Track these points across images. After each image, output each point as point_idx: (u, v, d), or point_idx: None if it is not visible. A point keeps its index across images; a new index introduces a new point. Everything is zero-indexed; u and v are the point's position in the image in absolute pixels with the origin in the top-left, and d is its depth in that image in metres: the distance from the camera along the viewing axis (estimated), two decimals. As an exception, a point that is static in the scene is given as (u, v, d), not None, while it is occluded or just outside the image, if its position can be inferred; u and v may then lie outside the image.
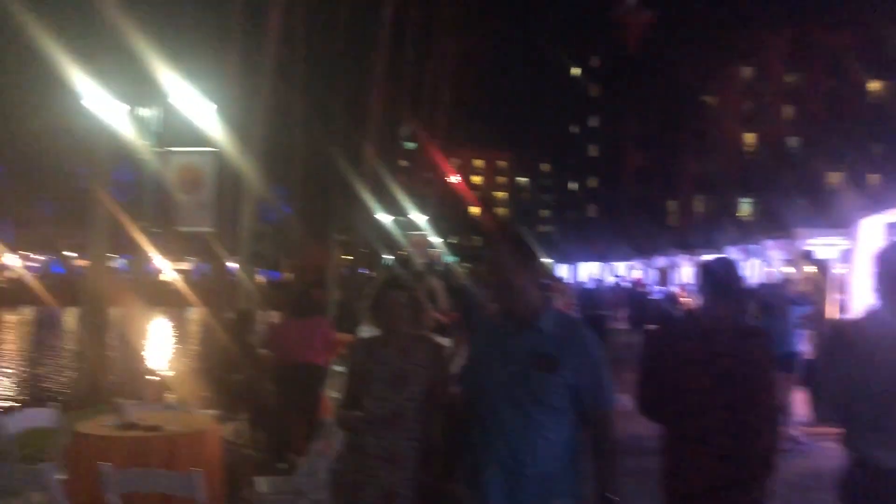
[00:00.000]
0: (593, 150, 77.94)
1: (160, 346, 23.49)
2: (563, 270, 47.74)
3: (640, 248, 40.78)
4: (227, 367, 7.67)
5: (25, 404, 12.86)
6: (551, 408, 2.86)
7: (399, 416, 3.43)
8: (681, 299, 25.50)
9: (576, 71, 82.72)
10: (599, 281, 31.74)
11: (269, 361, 7.59)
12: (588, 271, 45.51)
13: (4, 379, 18.80)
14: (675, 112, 56.07)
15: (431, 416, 3.46)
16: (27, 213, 42.75)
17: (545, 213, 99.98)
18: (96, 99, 10.61)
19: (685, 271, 30.59)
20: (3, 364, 21.61)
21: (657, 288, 30.51)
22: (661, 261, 34.70)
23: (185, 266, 55.71)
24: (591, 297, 18.31)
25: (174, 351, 23.75)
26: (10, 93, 22.72)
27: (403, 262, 26.86)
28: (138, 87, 11.35)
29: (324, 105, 23.14)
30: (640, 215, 58.86)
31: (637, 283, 31.93)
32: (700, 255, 26.93)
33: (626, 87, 65.53)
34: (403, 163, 36.95)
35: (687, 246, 32.32)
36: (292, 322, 7.34)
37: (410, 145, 38.72)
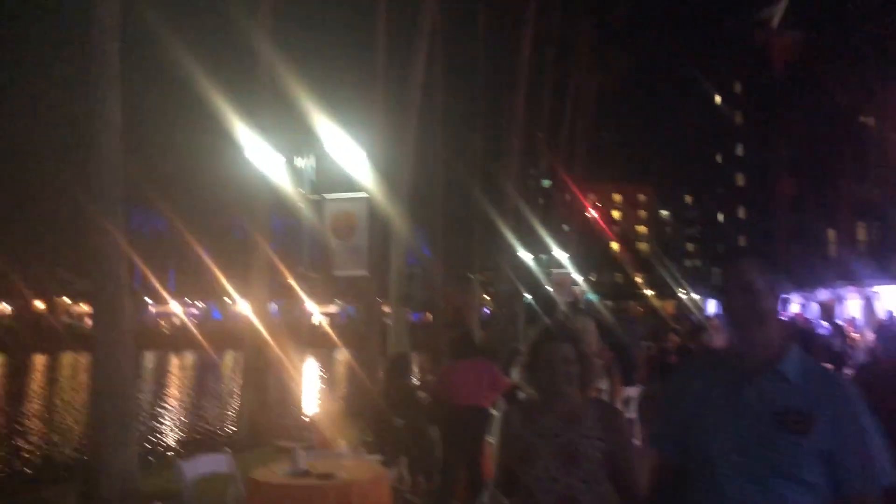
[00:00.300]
0: (740, 180, 74.91)
1: (316, 389, 24.18)
2: (714, 306, 45.66)
3: (798, 281, 38.40)
4: (384, 411, 7.64)
5: (195, 447, 13.43)
6: (800, 481, 2.15)
7: (571, 500, 2.78)
8: (850, 335, 23.62)
9: (718, 98, 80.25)
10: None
11: (429, 405, 7.49)
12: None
13: (173, 420, 19.86)
14: (829, 135, 52.85)
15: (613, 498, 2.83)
16: (188, 261, 45.76)
17: (690, 246, 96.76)
18: (257, 151, 11.13)
19: (852, 304, 28.43)
20: (171, 406, 22.88)
21: (822, 323, 28.48)
22: (823, 294, 32.52)
23: (332, 309, 57.93)
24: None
25: (329, 394, 24.36)
26: (177, 149, 24.51)
27: (546, 301, 26.39)
28: (294, 138, 11.83)
29: (465, 146, 23.44)
30: (795, 245, 55.60)
31: (800, 317, 29.99)
32: (869, 286, 24.94)
33: (774, 111, 62.64)
34: (542, 200, 36.75)
35: (853, 277, 30.06)
36: (458, 364, 7.17)
37: (547, 182, 38.51)
